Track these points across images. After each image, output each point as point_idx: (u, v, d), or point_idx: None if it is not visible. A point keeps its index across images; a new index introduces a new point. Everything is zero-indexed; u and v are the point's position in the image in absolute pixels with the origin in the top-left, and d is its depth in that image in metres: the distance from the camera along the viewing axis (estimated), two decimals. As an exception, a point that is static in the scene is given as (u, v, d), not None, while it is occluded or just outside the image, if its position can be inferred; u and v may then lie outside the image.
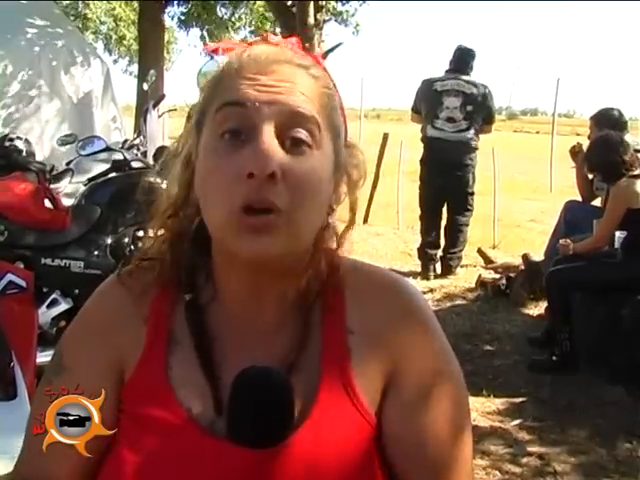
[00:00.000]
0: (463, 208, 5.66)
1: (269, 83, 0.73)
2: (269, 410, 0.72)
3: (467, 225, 5.75)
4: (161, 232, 0.83)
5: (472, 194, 5.66)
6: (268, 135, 0.71)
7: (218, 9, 16.79)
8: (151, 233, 0.83)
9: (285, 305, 0.79)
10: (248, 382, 0.73)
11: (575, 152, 4.75)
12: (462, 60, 5.55)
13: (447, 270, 5.63)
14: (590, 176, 4.72)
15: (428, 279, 5.50)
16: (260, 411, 0.72)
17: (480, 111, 5.49)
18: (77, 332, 0.85)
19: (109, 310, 0.83)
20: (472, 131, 5.48)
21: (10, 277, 2.44)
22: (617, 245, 3.71)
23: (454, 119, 5.44)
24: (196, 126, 0.78)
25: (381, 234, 7.14)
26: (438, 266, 5.67)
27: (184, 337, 0.79)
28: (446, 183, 5.50)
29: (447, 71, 5.59)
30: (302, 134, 0.72)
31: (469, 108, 5.44)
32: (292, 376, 0.75)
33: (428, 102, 5.53)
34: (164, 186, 0.82)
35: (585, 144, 4.71)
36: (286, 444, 0.72)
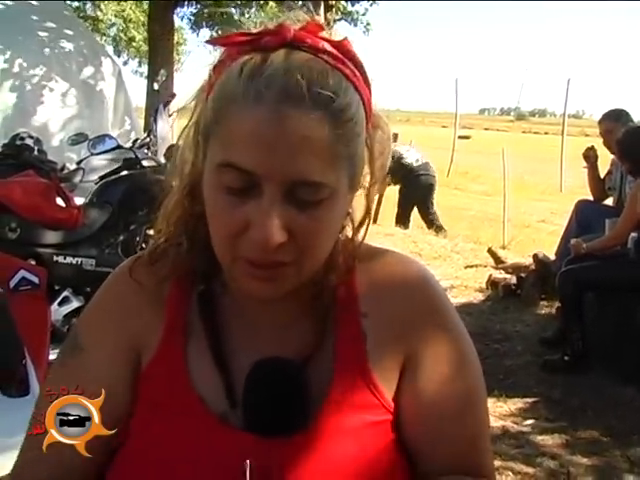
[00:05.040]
0: None
1: (279, 135, 0.64)
2: (285, 400, 0.72)
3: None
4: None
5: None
6: (270, 211, 0.66)
7: (229, 9, 16.80)
8: (163, 216, 0.79)
9: (299, 299, 0.78)
10: (264, 372, 0.73)
11: (589, 155, 4.72)
12: None
13: (440, 231, 7.48)
14: (602, 176, 4.71)
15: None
16: (277, 401, 0.72)
17: None
18: (93, 316, 0.84)
19: (125, 297, 0.82)
20: None
21: (23, 274, 2.45)
22: (630, 245, 3.68)
23: None
24: (203, 139, 0.71)
25: (390, 234, 7.13)
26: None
27: (197, 327, 0.79)
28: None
29: None
30: (312, 196, 0.67)
31: None
32: (308, 364, 0.75)
33: None
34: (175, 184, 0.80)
35: (598, 147, 4.70)
36: (302, 432, 0.72)
